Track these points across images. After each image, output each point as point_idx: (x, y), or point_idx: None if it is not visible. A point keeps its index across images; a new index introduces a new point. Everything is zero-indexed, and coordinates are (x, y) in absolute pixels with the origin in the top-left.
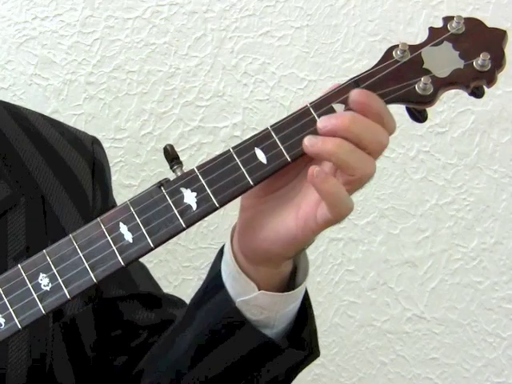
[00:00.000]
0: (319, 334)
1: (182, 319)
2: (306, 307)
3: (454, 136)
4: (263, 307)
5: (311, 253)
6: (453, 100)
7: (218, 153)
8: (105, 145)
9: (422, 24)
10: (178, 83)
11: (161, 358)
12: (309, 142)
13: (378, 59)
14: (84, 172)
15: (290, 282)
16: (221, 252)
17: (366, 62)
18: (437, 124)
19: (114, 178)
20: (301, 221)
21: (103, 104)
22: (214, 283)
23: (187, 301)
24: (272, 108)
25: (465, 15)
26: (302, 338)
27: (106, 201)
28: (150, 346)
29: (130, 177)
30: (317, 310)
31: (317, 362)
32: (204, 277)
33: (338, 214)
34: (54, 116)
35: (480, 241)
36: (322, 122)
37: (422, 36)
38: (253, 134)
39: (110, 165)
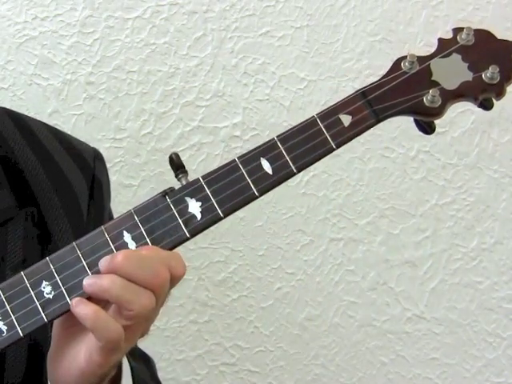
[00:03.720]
0: (319, 334)
1: None
2: None
3: (454, 136)
4: None
5: (311, 253)
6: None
7: (217, 153)
8: (105, 145)
9: (421, 24)
10: (178, 83)
11: None
12: (87, 282)
13: (385, 67)
14: (82, 192)
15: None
16: None
17: (366, 61)
18: (437, 124)
19: (114, 178)
20: (87, 354)
21: (103, 104)
22: None
23: (187, 301)
24: (272, 108)
25: (465, 15)
26: None
27: (99, 222)
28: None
29: (130, 177)
30: (317, 310)
31: (317, 362)
32: (204, 277)
33: (103, 338)
34: (54, 116)
35: (480, 241)
36: (99, 265)
37: (422, 36)
38: (253, 134)
39: (110, 165)
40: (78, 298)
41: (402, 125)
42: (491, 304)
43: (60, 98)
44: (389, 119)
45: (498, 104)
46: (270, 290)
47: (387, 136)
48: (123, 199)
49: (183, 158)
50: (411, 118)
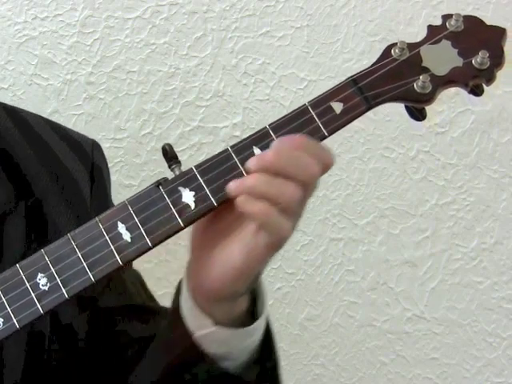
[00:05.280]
0: (319, 334)
1: (151, 347)
2: (269, 336)
3: (454, 136)
4: (221, 341)
5: (311, 253)
6: (453, 100)
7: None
8: (105, 145)
9: (421, 24)
10: (178, 83)
11: (141, 378)
12: (232, 186)
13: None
14: (83, 178)
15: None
16: (179, 286)
17: (366, 61)
18: (437, 124)
19: (114, 178)
20: (244, 252)
21: (103, 104)
22: (174, 317)
23: None
24: (272, 108)
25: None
26: (265, 367)
27: (103, 208)
28: (141, 358)
29: (130, 177)
30: (317, 310)
31: (317, 361)
32: None
33: (276, 235)
34: (54, 116)
35: (480, 241)
36: (248, 164)
37: (422, 36)
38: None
39: (110, 165)
40: (244, 196)
41: (402, 125)
42: (491, 304)
43: (60, 98)
44: (388, 117)
45: (497, 104)
46: (270, 290)
47: (387, 136)
48: (123, 199)
49: (183, 158)
50: (405, 110)
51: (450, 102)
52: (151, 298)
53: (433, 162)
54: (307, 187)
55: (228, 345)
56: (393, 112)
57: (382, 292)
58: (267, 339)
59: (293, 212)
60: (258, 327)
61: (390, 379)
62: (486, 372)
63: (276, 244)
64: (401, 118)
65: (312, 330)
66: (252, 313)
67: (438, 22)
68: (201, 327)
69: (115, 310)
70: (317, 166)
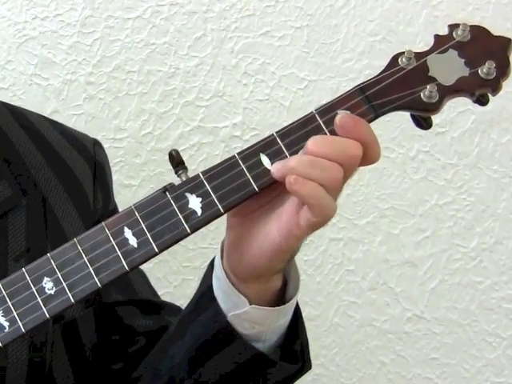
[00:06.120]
0: (319, 334)
1: (175, 330)
2: (297, 319)
3: (454, 136)
4: (255, 321)
5: (311, 253)
6: (453, 100)
7: (217, 153)
8: (105, 145)
9: (422, 24)
10: (178, 83)
11: (155, 367)
12: (275, 168)
13: (384, 66)
14: (85, 174)
15: (282, 294)
16: (211, 265)
17: (366, 61)
18: (437, 124)
19: (114, 178)
20: (283, 230)
21: (103, 104)
22: (205, 297)
23: (187, 301)
24: (272, 108)
25: (465, 15)
26: (294, 350)
27: (107, 203)
28: (147, 352)
29: (130, 177)
30: (317, 310)
31: (317, 362)
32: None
33: (322, 214)
34: (54, 116)
35: (480, 241)
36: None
37: (422, 36)
38: (253, 134)
39: (110, 165)
40: (294, 176)
41: (402, 125)
42: (491, 304)
43: (60, 98)
44: (388, 117)
45: (497, 104)
46: None
47: (387, 136)
48: (123, 199)
49: (183, 159)
50: (411, 118)
51: (450, 102)
52: (154, 293)
53: (433, 161)
54: (348, 168)
55: (261, 325)
56: (393, 112)
57: (382, 292)
58: (296, 322)
59: (337, 192)
60: (289, 309)
61: (390, 379)
62: (486, 372)
63: (320, 223)
64: (401, 118)
65: (312, 330)
66: (282, 297)
67: (438, 22)
68: (235, 307)
69: (119, 305)
70: (359, 148)
